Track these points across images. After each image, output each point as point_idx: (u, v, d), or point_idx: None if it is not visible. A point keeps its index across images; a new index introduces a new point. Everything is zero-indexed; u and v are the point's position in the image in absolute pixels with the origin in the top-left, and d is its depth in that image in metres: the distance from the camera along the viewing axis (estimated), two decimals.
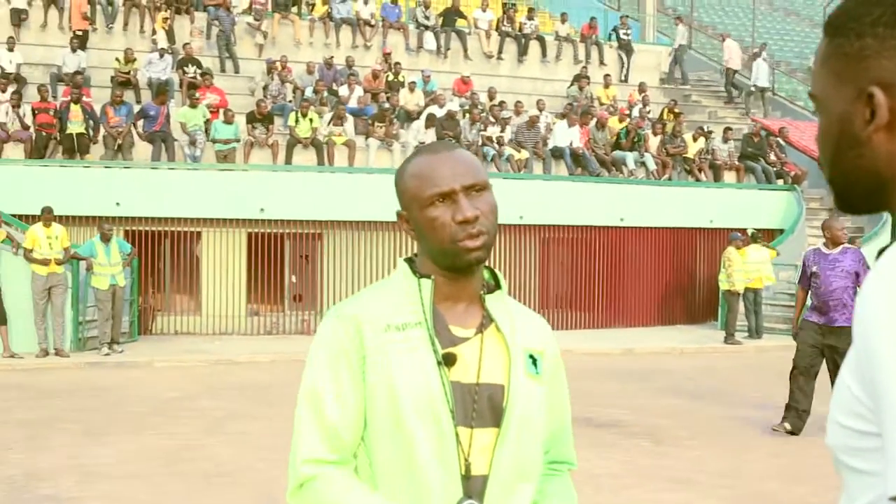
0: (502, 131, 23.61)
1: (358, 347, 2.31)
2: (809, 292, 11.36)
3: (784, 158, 25.76)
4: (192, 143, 20.63)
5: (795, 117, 29.43)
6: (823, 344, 11.12)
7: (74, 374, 15.91)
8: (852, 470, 1.51)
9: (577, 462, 2.63)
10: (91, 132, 20.34)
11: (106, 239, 17.12)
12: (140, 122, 20.83)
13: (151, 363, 16.90)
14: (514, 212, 20.53)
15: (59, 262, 16.79)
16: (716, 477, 9.62)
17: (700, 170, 24.79)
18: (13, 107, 20.24)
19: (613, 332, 21.66)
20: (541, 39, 29.13)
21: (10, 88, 20.94)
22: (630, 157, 24.06)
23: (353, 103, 23.58)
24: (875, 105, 1.51)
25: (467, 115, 23.52)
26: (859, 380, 1.46)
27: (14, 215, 18.15)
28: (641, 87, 27.92)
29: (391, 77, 25.16)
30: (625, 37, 30.44)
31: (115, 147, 20.42)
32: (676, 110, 26.64)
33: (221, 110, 21.65)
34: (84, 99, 20.62)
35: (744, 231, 21.20)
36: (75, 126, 20.06)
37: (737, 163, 25.25)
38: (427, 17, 28.30)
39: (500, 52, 28.72)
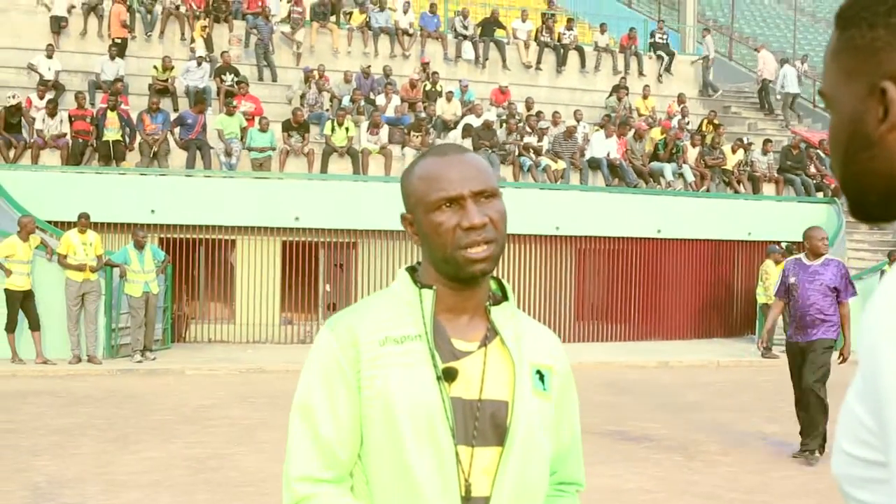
0: (539, 141, 23.50)
1: (353, 361, 2.20)
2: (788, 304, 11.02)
3: (824, 171, 25.48)
4: (228, 153, 20.67)
5: None
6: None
7: (106, 380, 15.92)
8: (859, 503, 1.38)
9: (586, 481, 2.52)
10: (127, 139, 20.46)
11: (140, 246, 17.14)
12: (177, 130, 20.92)
13: (183, 371, 16.89)
14: (551, 222, 20.40)
15: (92, 270, 16.83)
16: (746, 493, 9.46)
17: (739, 182, 24.58)
18: (49, 114, 20.34)
19: (649, 345, 21.43)
20: (580, 50, 28.98)
21: (48, 95, 21.07)
22: (668, 169, 23.88)
23: (390, 112, 23.54)
24: (888, 102, 1.35)
25: (504, 125, 23.42)
26: (864, 402, 1.33)
27: (49, 221, 18.23)
28: (680, 98, 27.71)
29: (429, 86, 25.09)
30: (661, 40, 30.26)
31: (151, 154, 20.49)
32: (716, 122, 26.40)
33: (257, 118, 21.67)
34: (122, 106, 20.75)
35: (779, 244, 20.99)
36: (112, 133, 20.19)
37: (776, 175, 25.01)
38: (465, 27, 28.24)
39: (538, 62, 28.58)
